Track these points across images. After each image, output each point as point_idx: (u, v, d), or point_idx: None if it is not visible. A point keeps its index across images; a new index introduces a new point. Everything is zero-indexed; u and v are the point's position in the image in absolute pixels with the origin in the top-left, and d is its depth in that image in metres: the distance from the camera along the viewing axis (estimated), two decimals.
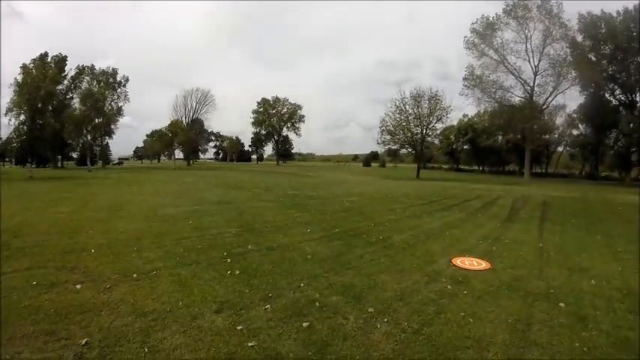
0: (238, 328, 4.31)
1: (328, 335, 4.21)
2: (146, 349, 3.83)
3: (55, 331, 4.17)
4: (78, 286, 5.53)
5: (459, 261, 7.36)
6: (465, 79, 53.32)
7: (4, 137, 66.98)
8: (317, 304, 5.05)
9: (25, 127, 53.34)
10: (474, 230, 10.83)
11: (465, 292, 5.68)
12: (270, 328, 4.33)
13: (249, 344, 3.96)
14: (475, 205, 17.04)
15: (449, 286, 5.90)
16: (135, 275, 6.07)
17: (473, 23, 51.00)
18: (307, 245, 8.37)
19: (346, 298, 5.30)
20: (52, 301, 4.99)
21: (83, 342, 3.91)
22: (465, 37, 51.66)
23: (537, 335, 4.36)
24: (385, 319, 4.62)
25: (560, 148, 75.74)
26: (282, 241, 8.68)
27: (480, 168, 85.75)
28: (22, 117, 53.29)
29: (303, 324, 4.44)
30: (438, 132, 58.30)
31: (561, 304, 5.27)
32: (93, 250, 7.51)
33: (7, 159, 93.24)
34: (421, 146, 52.87)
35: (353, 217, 12.46)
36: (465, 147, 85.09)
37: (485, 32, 50.51)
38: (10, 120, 52.15)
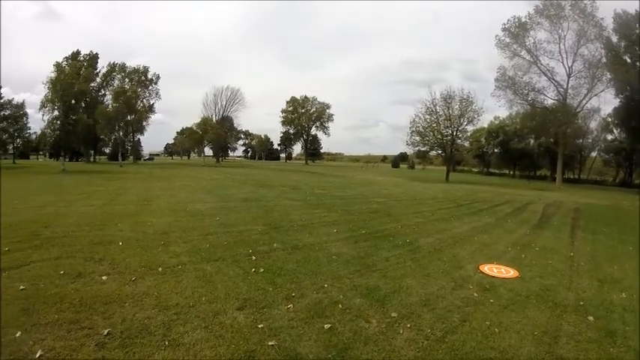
0: (259, 326, 4.32)
1: (349, 338, 4.17)
2: (167, 343, 3.88)
3: (79, 320, 4.29)
4: (104, 278, 5.67)
5: (486, 268, 7.20)
6: (496, 80, 52.01)
7: (38, 132, 69.58)
8: (340, 305, 5.01)
9: (58, 123, 55.08)
10: (503, 236, 10.58)
11: (491, 300, 5.55)
12: (291, 328, 4.32)
13: (270, 343, 3.96)
14: (505, 210, 16.69)
15: (475, 294, 5.78)
16: (160, 269, 6.18)
17: (504, 23, 49.81)
18: (333, 245, 8.34)
19: (370, 301, 5.25)
20: (77, 290, 5.13)
21: (105, 332, 4.00)
22: (497, 36, 50.42)
23: (564, 349, 4.22)
24: (408, 325, 4.55)
25: (593, 154, 72.99)
26: (307, 241, 8.67)
27: (511, 172, 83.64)
28: (56, 112, 55.05)
29: (325, 325, 4.41)
30: (469, 134, 57.25)
31: (590, 318, 5.09)
32: (121, 243, 7.69)
33: (40, 152, 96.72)
34: (451, 148, 51.83)
35: (380, 218, 12.36)
36: (495, 150, 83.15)
37: (517, 32, 49.17)
38: (43, 115, 53.98)
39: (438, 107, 49.56)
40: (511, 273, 6.99)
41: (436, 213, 14.47)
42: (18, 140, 63.59)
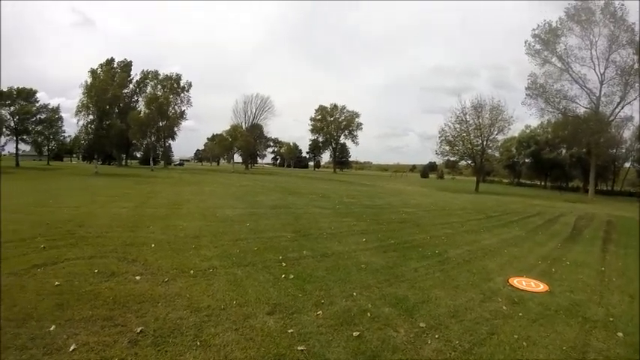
0: (289, 331, 4.36)
1: (378, 347, 4.16)
2: (198, 343, 3.96)
3: (112, 317, 4.43)
4: (137, 277, 5.84)
5: (515, 281, 7.07)
6: (527, 88, 50.53)
7: (72, 135, 71.97)
8: (368, 314, 5.02)
9: (92, 127, 56.90)
10: (534, 249, 10.36)
11: (520, 313, 5.45)
12: (320, 334, 4.35)
13: (299, 348, 3.99)
14: (536, 222, 16.33)
15: (504, 307, 5.69)
16: (192, 271, 6.31)
17: (534, 29, 48.48)
18: (362, 254, 8.33)
19: (398, 310, 5.23)
20: (111, 289, 5.30)
21: (138, 330, 4.12)
22: (526, 42, 49.11)
23: None
24: (436, 336, 4.52)
25: (627, 164, 69.79)
26: (336, 249, 8.68)
27: (542, 183, 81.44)
28: (90, 117, 56.88)
29: (354, 333, 4.42)
30: (499, 144, 56.10)
31: (619, 334, 4.95)
32: (153, 245, 7.89)
33: (74, 155, 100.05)
34: (481, 158, 50.88)
35: (409, 228, 12.26)
36: (526, 160, 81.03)
37: (547, 38, 47.78)
38: (79, 120, 55.80)
39: (468, 116, 48.77)
40: (541, 287, 6.86)
41: (465, 224, 14.26)
42: (53, 143, 66.06)
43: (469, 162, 55.48)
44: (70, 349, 3.69)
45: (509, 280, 7.10)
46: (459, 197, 30.81)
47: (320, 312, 4.96)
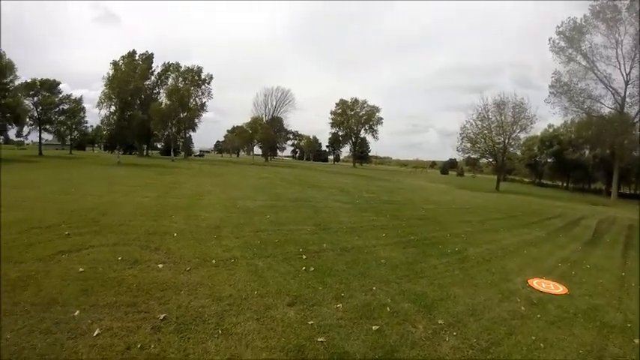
0: (309, 322, 4.42)
1: (396, 341, 4.19)
2: (220, 331, 4.04)
3: (136, 303, 4.54)
4: (160, 266, 5.96)
5: (535, 282, 7.00)
6: (551, 86, 49.09)
7: (94, 125, 73.43)
8: (388, 309, 5.05)
9: (114, 117, 58.08)
10: (554, 251, 10.21)
11: (538, 315, 5.42)
12: (340, 327, 4.39)
13: (319, 339, 4.05)
14: (556, 224, 16.05)
15: (522, 308, 5.66)
16: (214, 261, 6.41)
17: (559, 26, 47.14)
18: (382, 249, 8.34)
19: (417, 306, 5.25)
20: (135, 276, 5.41)
21: (161, 317, 4.22)
22: (551, 39, 47.82)
23: None
24: (454, 333, 4.53)
25: None
26: (356, 243, 8.70)
27: (564, 184, 79.73)
28: (112, 108, 57.99)
29: (373, 327, 4.46)
30: (521, 142, 55.08)
31: (636, 340, 4.89)
32: (175, 234, 8.01)
33: (96, 145, 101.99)
34: (502, 157, 50.10)
35: (429, 225, 12.19)
36: (548, 160, 79.34)
37: (572, 35, 46.38)
38: (100, 110, 57.00)
39: (490, 113, 48.03)
40: (560, 289, 6.78)
41: (485, 223, 14.11)
42: (75, 132, 67.53)
43: (490, 160, 54.79)
44: (94, 334, 3.80)
45: (529, 281, 7.05)
46: (479, 195, 30.50)
47: (340, 305, 5.00)
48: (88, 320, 4.06)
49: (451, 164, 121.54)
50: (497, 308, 5.54)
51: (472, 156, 58.07)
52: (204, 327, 4.09)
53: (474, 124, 49.44)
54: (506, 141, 48.24)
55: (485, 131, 48.88)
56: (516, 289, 6.52)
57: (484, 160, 61.95)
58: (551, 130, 75.92)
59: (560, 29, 47.12)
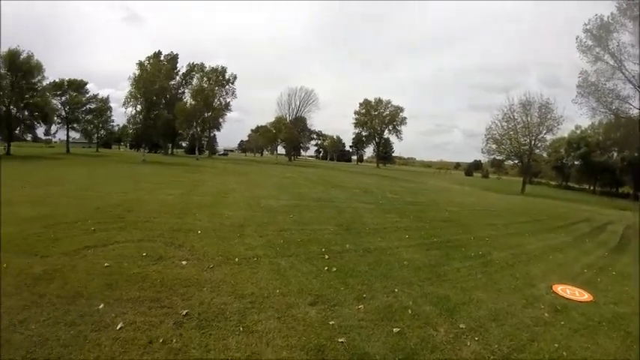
0: (330, 322, 4.42)
1: (417, 344, 4.16)
2: (241, 329, 4.08)
3: (159, 299, 4.63)
4: (183, 262, 6.05)
5: (559, 288, 6.83)
6: (578, 86, 47.32)
7: (121, 124, 75.18)
8: (409, 311, 5.00)
9: (140, 117, 59.39)
10: (579, 257, 9.97)
11: (562, 322, 5.29)
12: (361, 328, 4.38)
13: (339, 340, 4.05)
14: (583, 229, 15.65)
15: (546, 314, 5.53)
16: (237, 259, 6.47)
17: (585, 24, 45.56)
18: (404, 251, 8.26)
19: (439, 309, 5.19)
20: (158, 272, 5.51)
21: (184, 312, 4.29)
22: (577, 37, 46.30)
23: None
24: (476, 338, 4.46)
25: None
26: (379, 245, 8.65)
27: (591, 187, 77.54)
28: (138, 107, 59.35)
29: (394, 329, 4.43)
30: (547, 144, 53.85)
31: None
32: (199, 232, 8.11)
33: (122, 143, 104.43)
34: (528, 158, 49.06)
35: (452, 227, 12.02)
36: (575, 162, 77.21)
37: (599, 34, 44.67)
38: (126, 109, 58.38)
39: (515, 114, 47.14)
40: (585, 296, 6.61)
41: (510, 226, 13.86)
42: (102, 131, 69.39)
43: (515, 162, 53.82)
44: (117, 327, 3.89)
45: (553, 287, 6.89)
46: (504, 198, 30.04)
47: (361, 306, 4.99)
48: (112, 314, 4.16)
49: (476, 166, 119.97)
50: (521, 314, 5.44)
51: (497, 157, 57.12)
52: (225, 324, 4.13)
53: (499, 124, 48.69)
54: (532, 142, 47.29)
55: (511, 132, 48.02)
56: (540, 295, 6.40)
57: (509, 162, 60.98)
58: (578, 131, 74.09)
59: (587, 27, 45.55)
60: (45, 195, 11.60)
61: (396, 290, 5.75)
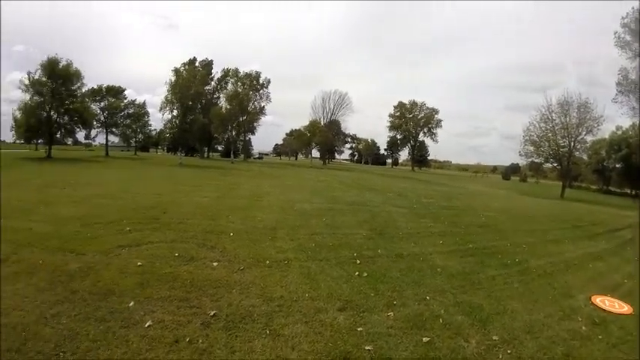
0: (358, 329, 4.37)
1: (446, 355, 4.06)
2: (268, 332, 4.09)
3: (189, 299, 4.73)
4: (214, 264, 6.16)
5: (598, 300, 6.52)
6: (618, 84, 45.09)
7: (158, 129, 77.30)
8: (440, 320, 4.89)
9: (176, 121, 61.29)
10: (621, 266, 9.50)
11: (600, 336, 5.04)
12: (389, 336, 4.31)
13: (366, 347, 3.99)
14: (625, 236, 14.86)
15: (583, 327, 5.28)
16: (267, 262, 6.52)
17: (623, 17, 42.87)
18: (438, 257, 8.10)
19: (471, 319, 5.04)
20: (189, 272, 5.63)
21: (212, 313, 4.35)
22: (616, 33, 43.92)
23: None
24: (508, 351, 4.31)
25: None
26: (412, 250, 8.51)
27: (634, 192, 73.66)
28: (175, 112, 61.23)
29: (423, 338, 4.33)
30: (587, 145, 51.52)
31: None
32: (231, 234, 8.22)
33: (159, 146, 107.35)
34: (567, 161, 47.04)
35: (488, 233, 11.72)
36: (617, 165, 73.43)
37: (638, 28, 42.44)
38: (163, 114, 60.25)
39: (554, 114, 45.14)
40: (625, 309, 6.27)
41: (548, 233, 13.37)
42: (139, 135, 71.60)
43: (554, 165, 51.81)
44: (146, 325, 3.99)
45: (592, 298, 6.58)
46: (542, 203, 29.05)
47: (391, 313, 4.92)
48: (142, 312, 4.27)
49: (513, 169, 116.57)
50: (557, 326, 5.22)
51: (535, 160, 55.10)
52: (252, 326, 4.16)
53: (537, 125, 46.46)
54: (572, 144, 45.27)
55: (549, 133, 45.89)
56: (578, 307, 6.13)
57: (548, 165, 58.81)
58: (620, 132, 70.88)
59: (625, 21, 43.16)
60: (84, 196, 12.04)
61: (427, 298, 5.64)
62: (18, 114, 38.98)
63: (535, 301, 6.15)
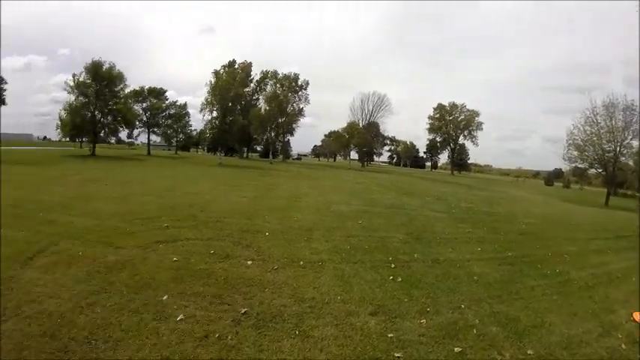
0: (389, 335, 4.31)
1: None
2: (297, 332, 4.10)
3: (221, 295, 4.81)
4: (249, 262, 6.24)
5: None
6: None
7: (198, 129, 79.22)
8: (474, 330, 4.74)
9: (216, 122, 62.80)
10: None
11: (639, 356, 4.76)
12: (420, 344, 4.22)
13: (396, 354, 3.92)
14: None
15: (623, 345, 4.98)
16: (301, 262, 6.55)
17: None
18: (475, 265, 7.88)
19: (507, 331, 4.86)
20: (224, 270, 5.73)
21: (243, 311, 4.41)
22: None
23: None
24: None
25: None
26: (449, 256, 8.33)
27: None
28: (215, 113, 62.79)
29: (455, 348, 4.21)
30: (634, 150, 48.94)
31: None
32: (267, 233, 8.31)
33: (199, 146, 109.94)
34: (613, 167, 44.63)
35: (529, 241, 11.32)
36: None
37: None
38: (203, 116, 61.91)
39: (598, 117, 43.07)
40: None
41: (591, 243, 12.79)
42: (181, 135, 74.02)
43: (599, 170, 49.51)
44: (178, 319, 4.09)
45: (634, 315, 6.20)
46: (586, 211, 27.90)
47: (423, 320, 4.83)
48: (174, 306, 4.37)
49: (556, 174, 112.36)
50: (595, 343, 4.96)
51: (579, 165, 52.86)
52: (282, 326, 4.18)
53: (581, 129, 44.34)
54: (617, 149, 43.19)
55: (594, 137, 43.98)
56: (619, 323, 5.80)
57: (593, 171, 56.27)
58: None
59: None
60: (125, 192, 12.46)
61: (462, 306, 5.50)
62: (63, 114, 41.07)
63: (574, 314, 5.87)
